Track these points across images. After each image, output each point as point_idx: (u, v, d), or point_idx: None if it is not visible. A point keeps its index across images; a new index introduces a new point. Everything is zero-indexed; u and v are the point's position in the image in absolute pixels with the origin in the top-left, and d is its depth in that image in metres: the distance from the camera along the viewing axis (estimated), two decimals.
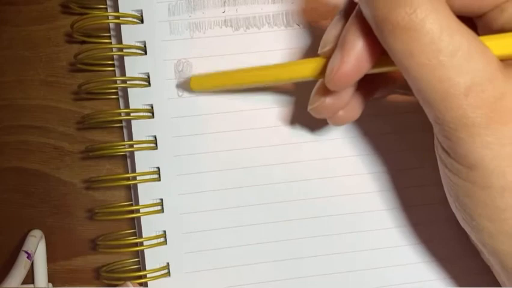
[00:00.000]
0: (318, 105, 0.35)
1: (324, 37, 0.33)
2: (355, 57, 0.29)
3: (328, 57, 0.32)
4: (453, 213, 0.33)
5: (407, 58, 0.26)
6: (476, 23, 0.30)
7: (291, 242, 0.41)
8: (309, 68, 0.34)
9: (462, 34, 0.26)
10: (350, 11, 0.31)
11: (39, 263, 0.42)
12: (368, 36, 0.29)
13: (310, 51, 0.41)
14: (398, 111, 0.42)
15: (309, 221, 0.41)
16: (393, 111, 0.42)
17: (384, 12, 0.26)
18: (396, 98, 0.41)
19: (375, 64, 0.30)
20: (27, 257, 0.39)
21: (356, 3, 0.31)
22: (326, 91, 0.34)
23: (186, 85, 0.40)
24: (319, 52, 0.33)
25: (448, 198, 0.33)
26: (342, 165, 0.42)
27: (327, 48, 0.32)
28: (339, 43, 0.31)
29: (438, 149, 0.31)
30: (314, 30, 0.41)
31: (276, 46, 0.41)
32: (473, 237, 0.32)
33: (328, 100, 0.34)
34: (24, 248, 0.40)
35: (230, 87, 0.40)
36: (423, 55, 0.26)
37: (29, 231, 0.42)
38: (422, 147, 0.41)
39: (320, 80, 0.35)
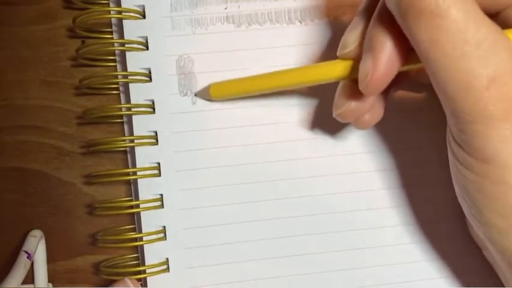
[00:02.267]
0: (344, 109, 0.34)
1: (344, 39, 0.32)
2: (386, 59, 0.29)
3: (349, 59, 0.32)
4: (457, 212, 0.33)
5: (431, 47, 0.26)
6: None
7: (291, 238, 0.41)
8: (334, 71, 0.33)
9: (487, 25, 0.26)
10: (369, 11, 0.31)
11: (39, 263, 0.41)
12: (395, 35, 0.28)
13: (313, 48, 0.41)
14: (407, 108, 0.42)
15: (311, 218, 0.41)
16: (403, 108, 0.42)
17: None
18: (405, 94, 0.41)
19: (405, 62, 0.30)
20: (27, 257, 0.39)
21: (375, 2, 0.30)
22: (350, 95, 0.33)
23: (205, 93, 0.40)
24: (338, 54, 0.33)
25: (457, 193, 0.32)
26: (346, 162, 0.42)
27: (348, 49, 0.32)
28: (366, 45, 0.30)
29: (451, 143, 0.30)
30: (316, 27, 0.41)
31: (278, 43, 0.41)
32: (482, 233, 0.32)
33: (354, 104, 0.34)
34: (24, 248, 0.40)
35: (251, 93, 0.39)
36: (448, 44, 0.25)
37: (29, 231, 0.42)
38: (430, 145, 0.41)
39: (342, 83, 0.34)
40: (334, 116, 0.35)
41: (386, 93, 0.35)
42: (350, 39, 0.32)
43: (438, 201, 0.41)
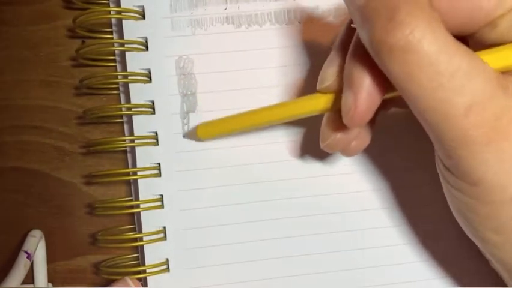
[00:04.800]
0: (330, 141, 0.34)
1: (322, 73, 0.33)
2: (367, 94, 0.29)
3: (329, 92, 0.32)
4: None
5: (406, 80, 0.26)
6: (467, 40, 0.30)
7: (291, 239, 0.41)
8: (316, 104, 0.33)
9: (460, 53, 0.26)
10: (345, 45, 0.31)
11: (39, 263, 0.41)
12: (373, 68, 0.28)
13: (312, 49, 0.42)
14: (398, 124, 0.42)
15: (311, 218, 0.41)
16: (393, 124, 0.42)
17: (381, 34, 0.25)
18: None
19: (387, 91, 0.30)
20: (27, 257, 0.39)
21: (350, 37, 0.30)
22: (335, 126, 0.33)
23: (193, 134, 0.40)
24: (318, 88, 0.33)
25: (453, 211, 0.33)
26: (343, 163, 0.42)
27: (327, 84, 0.32)
28: (345, 80, 0.30)
29: (440, 167, 0.31)
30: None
31: (277, 43, 0.41)
32: (480, 247, 0.32)
33: (340, 134, 0.34)
34: (24, 248, 0.40)
35: (238, 132, 0.40)
36: (423, 77, 0.25)
37: (29, 231, 0.42)
38: (422, 150, 0.41)
39: (326, 115, 0.34)
40: (321, 147, 0.35)
41: (372, 120, 0.35)
42: (328, 74, 0.32)
43: (437, 202, 0.41)
